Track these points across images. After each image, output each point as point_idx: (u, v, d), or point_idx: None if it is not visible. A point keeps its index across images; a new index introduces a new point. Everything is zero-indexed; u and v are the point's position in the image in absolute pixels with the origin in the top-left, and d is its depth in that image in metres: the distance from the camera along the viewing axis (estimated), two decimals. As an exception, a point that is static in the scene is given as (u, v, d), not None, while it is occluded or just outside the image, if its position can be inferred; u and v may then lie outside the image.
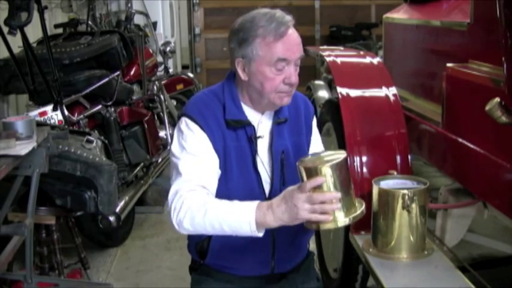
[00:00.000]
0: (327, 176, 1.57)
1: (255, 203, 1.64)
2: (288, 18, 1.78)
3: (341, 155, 1.63)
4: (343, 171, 1.60)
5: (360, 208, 1.64)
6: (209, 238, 1.89)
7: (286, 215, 1.59)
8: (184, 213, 1.67)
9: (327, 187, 1.57)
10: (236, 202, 1.68)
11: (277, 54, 1.75)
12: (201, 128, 1.79)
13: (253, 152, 1.84)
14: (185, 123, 1.82)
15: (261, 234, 1.63)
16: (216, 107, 1.84)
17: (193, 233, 1.72)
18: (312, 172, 1.58)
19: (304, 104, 1.98)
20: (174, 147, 1.82)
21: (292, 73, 1.78)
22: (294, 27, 1.80)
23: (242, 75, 1.81)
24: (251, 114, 1.86)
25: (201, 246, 1.91)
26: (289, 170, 1.86)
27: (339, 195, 1.57)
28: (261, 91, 1.80)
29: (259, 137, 1.85)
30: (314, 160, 1.64)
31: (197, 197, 1.71)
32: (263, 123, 1.87)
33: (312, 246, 3.33)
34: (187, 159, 1.78)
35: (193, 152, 1.78)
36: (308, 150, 1.98)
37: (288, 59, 1.77)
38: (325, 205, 1.57)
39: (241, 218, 1.63)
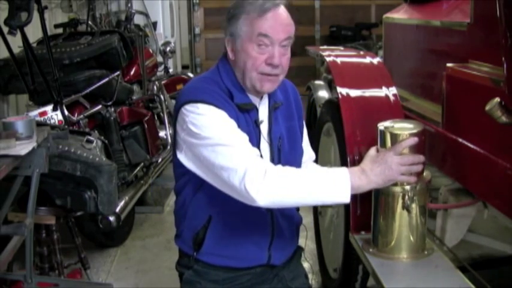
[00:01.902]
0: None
1: (344, 169, 1.70)
2: None
3: (419, 125, 1.95)
4: (422, 139, 1.89)
5: (429, 175, 1.97)
6: (207, 225, 1.84)
7: (381, 177, 1.71)
8: (268, 181, 1.61)
9: (410, 152, 1.84)
10: (322, 169, 1.75)
11: (259, 30, 1.72)
12: (219, 108, 1.73)
13: (258, 136, 1.82)
14: (202, 107, 1.72)
15: (349, 201, 1.68)
16: (222, 92, 1.78)
17: (274, 203, 1.66)
18: (397, 138, 1.89)
19: (291, 89, 1.98)
20: (202, 132, 1.70)
21: (275, 54, 1.73)
22: (285, 7, 1.76)
23: (231, 55, 1.79)
24: (252, 98, 1.84)
25: (197, 235, 1.86)
26: (285, 155, 1.87)
27: (423, 158, 1.82)
28: (244, 70, 1.76)
29: (261, 121, 1.84)
30: (395, 127, 1.95)
31: (277, 166, 1.69)
32: (261, 108, 1.86)
33: (312, 246, 3.35)
34: (229, 134, 1.70)
35: (228, 126, 1.71)
36: (301, 134, 1.99)
37: (270, 36, 1.72)
38: (413, 167, 1.76)
39: (336, 183, 1.66)
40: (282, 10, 1.76)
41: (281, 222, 1.90)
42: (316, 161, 2.16)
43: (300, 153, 1.97)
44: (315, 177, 1.69)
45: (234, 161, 1.64)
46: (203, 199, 1.84)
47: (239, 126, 1.75)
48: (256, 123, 1.82)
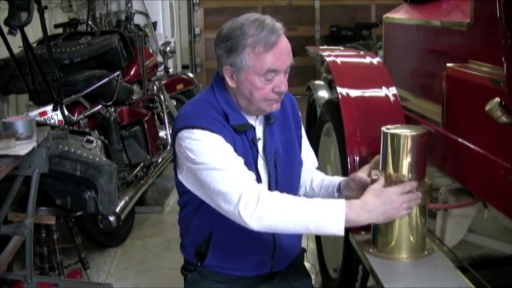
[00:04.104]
0: (410, 144, 1.89)
1: (341, 202, 1.67)
2: (279, 26, 1.74)
3: (422, 129, 1.98)
4: (425, 140, 1.93)
5: (429, 181, 1.98)
6: (208, 240, 1.89)
7: (383, 216, 1.70)
8: (261, 207, 1.63)
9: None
10: (320, 200, 1.70)
11: (267, 65, 1.73)
12: (215, 132, 1.75)
13: (255, 154, 1.84)
14: (198, 133, 1.74)
15: (342, 234, 1.66)
16: (217, 115, 1.80)
17: (267, 228, 1.67)
18: (399, 140, 1.91)
19: (288, 101, 1.98)
20: (198, 158, 1.72)
21: (281, 81, 1.76)
22: (288, 31, 1.78)
23: (230, 83, 1.79)
24: (248, 118, 1.85)
25: (200, 248, 1.91)
26: (282, 169, 1.87)
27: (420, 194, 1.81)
28: (250, 99, 1.78)
29: (258, 139, 1.86)
30: (397, 131, 1.96)
31: (273, 192, 1.70)
32: (258, 126, 1.88)
33: (312, 246, 3.35)
34: (224, 159, 1.72)
35: (223, 151, 1.73)
36: (299, 145, 1.99)
37: (278, 69, 1.74)
38: (411, 202, 1.76)
39: (330, 215, 1.64)
40: (284, 38, 1.76)
41: (282, 234, 1.89)
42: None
43: (298, 164, 1.97)
44: (309, 206, 1.67)
45: (229, 187, 1.67)
46: (204, 216, 1.87)
47: (235, 148, 1.77)
48: (254, 142, 1.83)
